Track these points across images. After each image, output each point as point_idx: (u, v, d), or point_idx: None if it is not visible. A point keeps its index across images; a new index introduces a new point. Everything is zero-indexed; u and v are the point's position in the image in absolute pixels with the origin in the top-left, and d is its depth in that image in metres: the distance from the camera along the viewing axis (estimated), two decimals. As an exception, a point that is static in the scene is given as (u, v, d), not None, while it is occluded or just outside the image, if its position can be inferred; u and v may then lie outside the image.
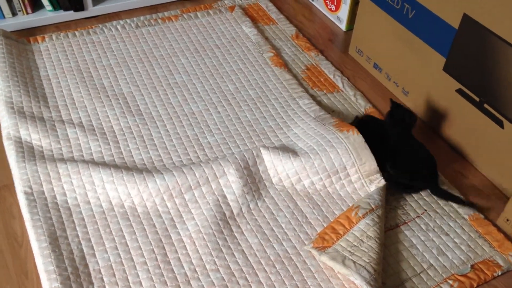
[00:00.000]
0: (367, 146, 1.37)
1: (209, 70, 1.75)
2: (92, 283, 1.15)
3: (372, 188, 1.36)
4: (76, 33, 1.86)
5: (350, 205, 1.33)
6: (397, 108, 1.46)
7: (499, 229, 1.32)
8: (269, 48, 1.85)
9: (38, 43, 1.81)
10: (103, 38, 1.85)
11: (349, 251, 1.19)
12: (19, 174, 1.33)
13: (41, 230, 1.22)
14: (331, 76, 1.78)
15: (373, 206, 1.28)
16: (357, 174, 1.37)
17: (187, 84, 1.69)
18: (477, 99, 1.42)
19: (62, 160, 1.38)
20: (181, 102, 1.62)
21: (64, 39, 1.83)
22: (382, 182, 1.36)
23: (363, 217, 1.25)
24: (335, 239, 1.22)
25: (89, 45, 1.82)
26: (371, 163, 1.36)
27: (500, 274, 1.23)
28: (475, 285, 1.20)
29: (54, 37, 1.84)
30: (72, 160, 1.39)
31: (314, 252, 1.21)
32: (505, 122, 1.35)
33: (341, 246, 1.20)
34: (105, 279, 1.16)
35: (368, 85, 1.77)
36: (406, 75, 1.66)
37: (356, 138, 1.38)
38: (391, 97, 1.48)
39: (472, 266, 1.23)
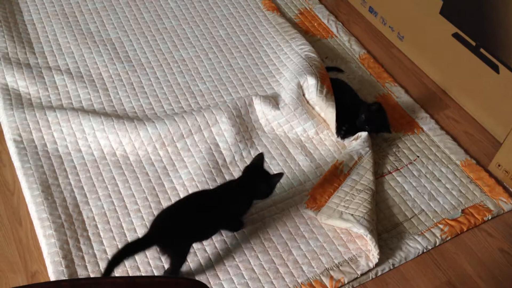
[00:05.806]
0: (333, 110, 1.35)
1: (199, 15, 1.70)
2: (86, 230, 1.15)
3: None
4: (60, -25, 1.78)
5: (342, 151, 1.33)
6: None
7: (491, 175, 1.33)
8: (261, -9, 1.79)
9: (20, -14, 1.73)
10: (88, -19, 1.77)
11: (344, 206, 1.19)
12: (7, 122, 1.31)
13: (33, 178, 1.21)
14: (325, 21, 1.73)
15: (356, 159, 1.28)
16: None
17: (176, 29, 1.64)
18: (474, 43, 1.40)
19: (51, 107, 1.36)
20: (171, 49, 1.58)
21: (47, -19, 1.76)
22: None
23: (349, 174, 1.26)
24: (327, 197, 1.22)
25: (74, -12, 1.74)
26: (330, 125, 1.37)
27: (490, 218, 1.25)
28: (465, 229, 1.22)
29: (36, -21, 1.76)
30: (61, 108, 1.36)
31: (310, 213, 1.20)
32: (501, 67, 1.34)
33: (334, 203, 1.21)
34: (99, 226, 1.16)
35: (363, 30, 1.73)
36: (402, 19, 1.62)
37: (327, 98, 1.37)
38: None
39: (462, 211, 1.25)
